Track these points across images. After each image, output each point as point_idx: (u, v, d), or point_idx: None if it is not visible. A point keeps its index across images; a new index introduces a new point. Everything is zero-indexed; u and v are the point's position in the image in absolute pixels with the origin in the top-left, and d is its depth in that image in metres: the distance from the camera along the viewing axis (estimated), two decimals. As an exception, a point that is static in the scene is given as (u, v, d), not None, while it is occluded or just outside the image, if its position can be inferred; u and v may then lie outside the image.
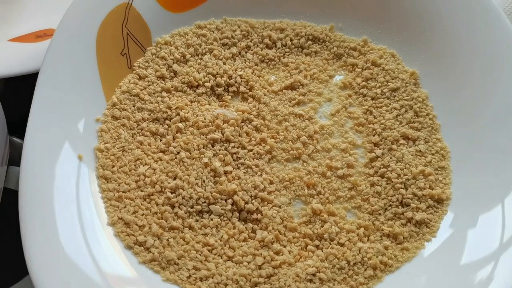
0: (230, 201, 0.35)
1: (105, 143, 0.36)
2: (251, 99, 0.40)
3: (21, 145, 0.34)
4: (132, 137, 0.37)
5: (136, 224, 0.33)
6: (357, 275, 0.33)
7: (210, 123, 0.37)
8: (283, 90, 0.40)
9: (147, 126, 0.37)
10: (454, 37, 0.39)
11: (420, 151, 0.37)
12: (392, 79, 0.40)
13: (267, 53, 0.42)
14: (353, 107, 0.40)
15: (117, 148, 0.36)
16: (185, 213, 0.34)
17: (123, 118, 0.37)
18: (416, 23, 0.41)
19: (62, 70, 0.36)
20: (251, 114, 0.39)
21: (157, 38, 0.41)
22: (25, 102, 0.36)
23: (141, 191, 0.34)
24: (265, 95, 0.40)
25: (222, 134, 0.37)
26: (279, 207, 0.35)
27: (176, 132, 0.37)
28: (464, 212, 0.34)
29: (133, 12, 0.40)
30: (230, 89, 0.40)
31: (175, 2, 0.41)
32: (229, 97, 0.40)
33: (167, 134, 0.37)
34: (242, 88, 0.40)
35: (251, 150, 0.37)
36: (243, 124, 0.38)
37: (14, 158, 0.38)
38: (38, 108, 0.34)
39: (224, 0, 0.43)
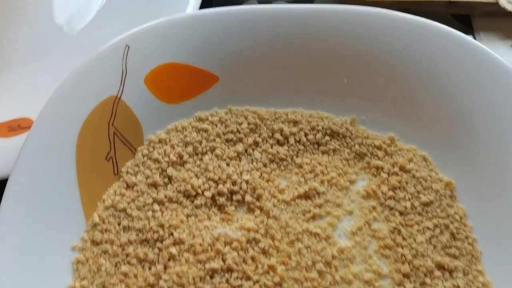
0: None
1: (81, 280, 0.30)
2: (259, 211, 0.34)
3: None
4: (116, 266, 0.31)
5: None
6: None
7: (209, 247, 0.31)
8: (296, 200, 0.34)
9: (134, 251, 0.31)
10: (498, 145, 0.33)
11: (458, 287, 0.31)
12: (424, 190, 0.34)
13: (278, 151, 0.36)
14: (377, 223, 0.34)
15: (96, 286, 0.30)
16: None
17: (106, 242, 0.31)
18: (453, 123, 0.35)
19: (32, 182, 0.30)
20: (258, 233, 0.33)
21: (150, 136, 0.35)
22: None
23: None
24: (274, 206, 0.34)
25: (223, 261, 0.31)
26: None
27: (169, 260, 0.31)
28: None
29: (122, 107, 0.34)
30: (234, 197, 0.34)
31: (172, 92, 0.36)
32: (233, 207, 0.34)
33: (158, 262, 0.31)
34: (248, 198, 0.34)
35: (257, 282, 0.31)
36: (248, 245, 0.32)
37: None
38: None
39: (228, 87, 0.37)
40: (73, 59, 0.38)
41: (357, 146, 0.36)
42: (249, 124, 0.37)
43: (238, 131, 0.36)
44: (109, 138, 0.33)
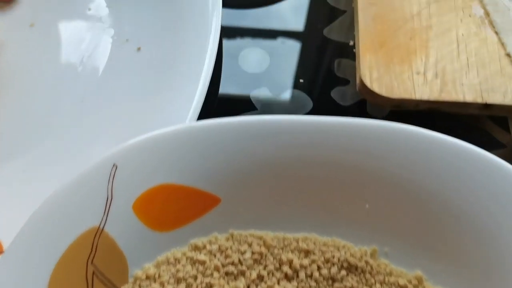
0: None
1: None
2: None
3: None
4: None
5: None
6: None
7: None
8: None
9: None
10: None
11: None
12: None
13: (285, 289, 0.31)
14: None
15: None
16: None
17: None
18: (494, 267, 0.30)
19: None
20: None
21: (137, 271, 0.30)
22: None
23: None
24: None
25: None
26: None
27: None
28: None
29: (105, 240, 0.29)
30: None
31: (165, 218, 0.31)
32: None
33: None
34: None
35: None
36: None
37: None
38: None
39: (230, 208, 0.32)
40: (51, 166, 0.33)
41: (378, 285, 0.31)
42: (253, 253, 0.31)
43: (240, 262, 0.31)
44: (87, 281, 0.28)
